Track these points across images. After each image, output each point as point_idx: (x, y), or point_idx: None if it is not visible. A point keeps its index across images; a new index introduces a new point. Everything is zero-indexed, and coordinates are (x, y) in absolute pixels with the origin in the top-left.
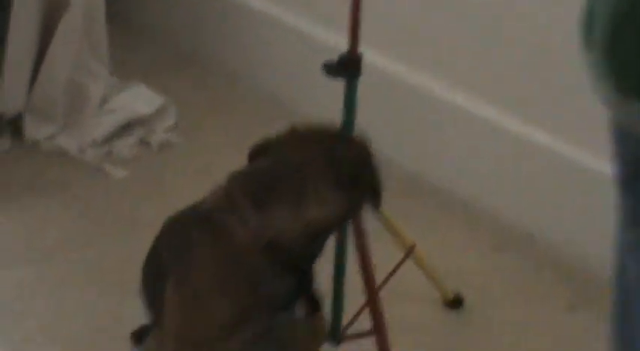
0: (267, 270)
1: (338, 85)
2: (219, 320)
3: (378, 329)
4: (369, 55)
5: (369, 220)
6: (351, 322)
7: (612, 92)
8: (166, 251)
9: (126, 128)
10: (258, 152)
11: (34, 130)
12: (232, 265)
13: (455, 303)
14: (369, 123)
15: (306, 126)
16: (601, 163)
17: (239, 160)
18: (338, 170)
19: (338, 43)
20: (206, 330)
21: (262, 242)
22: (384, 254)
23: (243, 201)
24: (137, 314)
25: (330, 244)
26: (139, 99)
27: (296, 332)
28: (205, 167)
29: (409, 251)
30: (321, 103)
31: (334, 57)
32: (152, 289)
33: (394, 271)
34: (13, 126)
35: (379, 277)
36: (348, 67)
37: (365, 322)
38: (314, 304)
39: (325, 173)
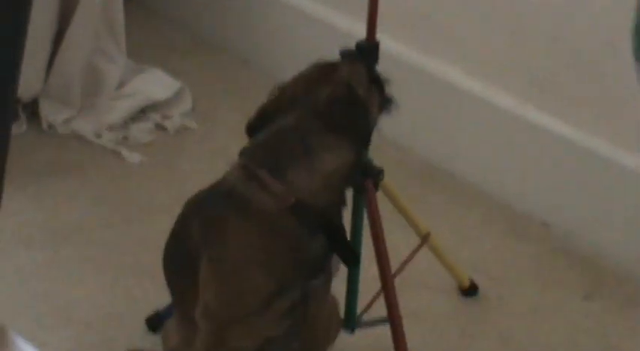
0: (299, 232)
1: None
2: (261, 291)
3: (393, 317)
4: (386, 41)
5: (384, 207)
6: (366, 310)
7: None
8: (193, 232)
9: (142, 112)
10: (255, 124)
11: (51, 113)
12: (265, 234)
13: (470, 291)
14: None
15: (289, 81)
16: (618, 152)
17: None
18: (325, 118)
19: (355, 29)
20: (248, 303)
21: (289, 206)
22: (399, 242)
23: (260, 172)
24: (153, 298)
25: (346, 230)
26: (156, 83)
27: (321, 309)
28: (222, 151)
29: (424, 239)
30: None
31: (351, 43)
32: (178, 271)
33: (409, 258)
34: (30, 109)
35: (394, 264)
36: (365, 54)
37: (380, 310)
38: (352, 259)
39: (318, 124)
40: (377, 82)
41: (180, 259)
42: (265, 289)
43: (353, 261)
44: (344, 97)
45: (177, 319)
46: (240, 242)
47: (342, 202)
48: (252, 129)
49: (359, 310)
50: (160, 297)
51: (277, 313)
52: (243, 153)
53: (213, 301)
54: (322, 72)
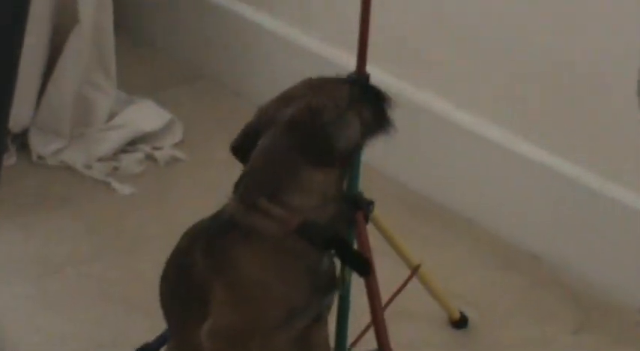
0: (309, 251)
1: None
2: (282, 308)
3: (383, 349)
4: (376, 73)
5: (375, 239)
6: (356, 342)
7: None
8: (197, 260)
9: (132, 144)
10: (238, 145)
11: (41, 145)
12: (276, 255)
13: (460, 322)
14: (375, 142)
15: (271, 99)
16: (608, 186)
17: None
18: (291, 139)
19: (345, 61)
20: (271, 320)
21: (293, 228)
22: (389, 273)
23: (258, 200)
24: (142, 330)
25: (335, 263)
26: (146, 114)
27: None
28: (212, 183)
29: (414, 270)
30: None
31: (342, 75)
32: (178, 299)
33: (399, 290)
34: (20, 141)
35: (384, 296)
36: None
37: (370, 342)
38: (364, 268)
39: (288, 145)
40: (367, 104)
41: (182, 287)
42: (286, 306)
43: (365, 270)
44: (302, 120)
45: (175, 347)
46: (254, 266)
47: (345, 215)
48: (236, 149)
49: (349, 341)
50: (150, 329)
51: (296, 331)
52: (236, 185)
53: (234, 322)
54: (298, 91)
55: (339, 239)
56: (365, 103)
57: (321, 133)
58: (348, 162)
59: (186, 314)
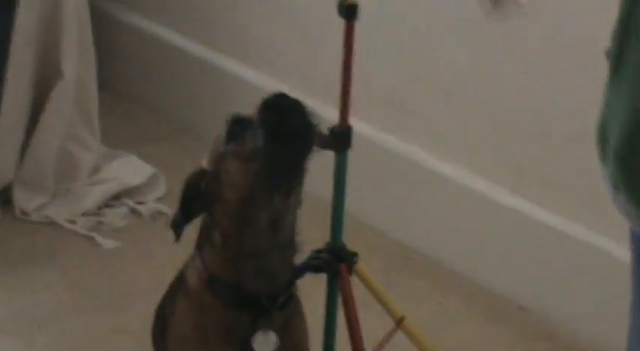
0: (218, 306)
1: (328, 156)
2: None
3: None
4: (358, 125)
5: (359, 291)
6: None
7: (629, 204)
8: (166, 308)
9: (116, 198)
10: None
11: (24, 200)
12: (195, 310)
13: None
14: (358, 194)
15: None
16: (594, 237)
17: None
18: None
19: (329, 114)
20: None
21: (205, 281)
22: (374, 325)
23: (193, 251)
24: None
25: (320, 313)
26: (130, 169)
27: None
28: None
29: (399, 323)
30: (311, 174)
31: (324, 128)
32: (159, 343)
33: (383, 342)
34: (3, 196)
35: (369, 349)
36: (338, 139)
37: None
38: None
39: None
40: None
41: (161, 333)
42: None
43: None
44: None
45: None
46: (180, 320)
47: (261, 275)
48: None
49: None
50: None
51: None
52: None
53: None
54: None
55: (245, 296)
56: (244, 139)
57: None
58: (242, 214)
59: None
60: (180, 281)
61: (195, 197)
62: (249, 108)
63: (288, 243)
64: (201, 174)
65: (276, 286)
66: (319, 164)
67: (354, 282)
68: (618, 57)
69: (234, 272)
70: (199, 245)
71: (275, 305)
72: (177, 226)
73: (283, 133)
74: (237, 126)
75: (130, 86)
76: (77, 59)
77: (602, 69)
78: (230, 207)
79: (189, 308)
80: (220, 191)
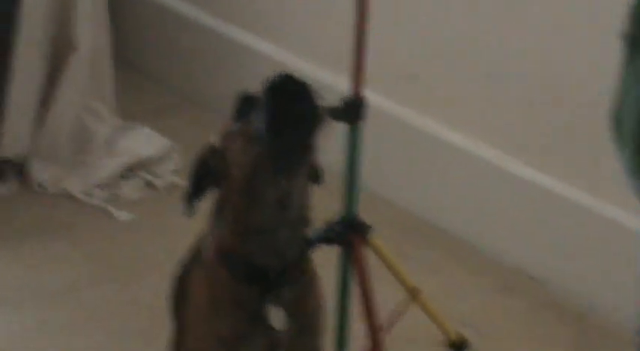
0: (229, 279)
1: (341, 128)
2: (217, 338)
3: None
4: (372, 97)
5: (373, 263)
6: None
7: None
8: (185, 276)
9: (131, 170)
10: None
11: (40, 172)
12: (208, 283)
13: (459, 345)
14: (372, 166)
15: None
16: (605, 207)
17: None
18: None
19: (341, 85)
20: (213, 345)
21: (217, 254)
22: (387, 297)
23: (208, 223)
24: None
25: (333, 285)
26: (145, 141)
27: None
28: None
29: (413, 294)
30: (325, 146)
31: (338, 99)
32: (176, 309)
33: (398, 314)
34: (19, 168)
35: (383, 320)
36: (351, 111)
37: None
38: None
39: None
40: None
41: (178, 296)
42: (220, 335)
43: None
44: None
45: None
46: (197, 291)
47: (269, 251)
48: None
49: None
50: None
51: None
52: None
53: (188, 337)
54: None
55: (256, 270)
56: (250, 118)
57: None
58: (249, 192)
59: (179, 327)
60: (196, 252)
61: (205, 174)
62: (260, 79)
63: (298, 219)
64: (210, 150)
65: (285, 261)
66: (333, 136)
67: (368, 254)
68: (636, 40)
69: (244, 247)
70: (212, 219)
71: (284, 280)
72: (189, 201)
73: (286, 119)
74: (245, 104)
75: (144, 59)
76: (91, 32)
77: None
78: (237, 184)
79: (203, 280)
80: (228, 168)
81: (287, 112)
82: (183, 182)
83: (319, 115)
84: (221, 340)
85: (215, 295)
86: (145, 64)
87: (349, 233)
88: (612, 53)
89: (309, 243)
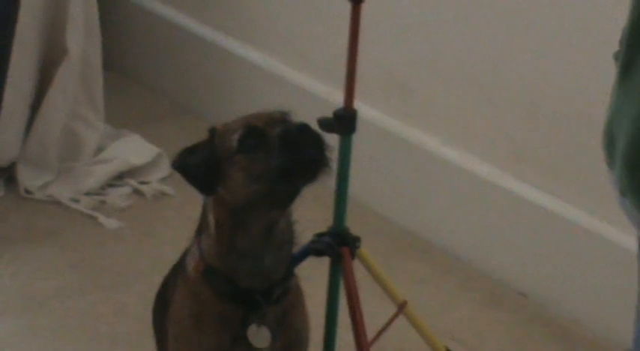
0: (214, 298)
1: (332, 140)
2: None
3: None
4: (364, 110)
5: (361, 275)
6: None
7: (636, 210)
8: (168, 289)
9: (120, 178)
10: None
11: (28, 178)
12: (192, 299)
13: None
14: (363, 178)
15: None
16: (595, 223)
17: None
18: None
19: (334, 97)
20: None
21: (200, 270)
22: (376, 310)
23: (193, 236)
24: None
25: (321, 297)
26: (134, 149)
27: None
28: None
29: (401, 307)
30: None
31: (329, 110)
32: (158, 322)
33: (385, 327)
34: (7, 174)
35: (370, 332)
36: (343, 122)
37: None
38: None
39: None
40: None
41: (160, 312)
42: (203, 350)
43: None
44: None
45: None
46: (180, 305)
47: (254, 274)
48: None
49: None
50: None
51: None
52: None
53: None
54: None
55: (238, 290)
56: (256, 156)
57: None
58: (238, 218)
59: (162, 339)
60: (181, 265)
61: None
62: (252, 89)
63: (284, 243)
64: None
65: (270, 282)
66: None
67: (356, 266)
68: (628, 62)
69: (228, 267)
70: (199, 231)
71: (268, 301)
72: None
73: (297, 170)
74: (252, 137)
75: (135, 66)
76: (82, 38)
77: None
78: (226, 205)
79: (187, 295)
80: (220, 190)
81: (300, 162)
82: (171, 190)
83: (326, 164)
84: None
85: (198, 311)
86: (135, 71)
87: (338, 245)
88: (609, 68)
89: (296, 259)
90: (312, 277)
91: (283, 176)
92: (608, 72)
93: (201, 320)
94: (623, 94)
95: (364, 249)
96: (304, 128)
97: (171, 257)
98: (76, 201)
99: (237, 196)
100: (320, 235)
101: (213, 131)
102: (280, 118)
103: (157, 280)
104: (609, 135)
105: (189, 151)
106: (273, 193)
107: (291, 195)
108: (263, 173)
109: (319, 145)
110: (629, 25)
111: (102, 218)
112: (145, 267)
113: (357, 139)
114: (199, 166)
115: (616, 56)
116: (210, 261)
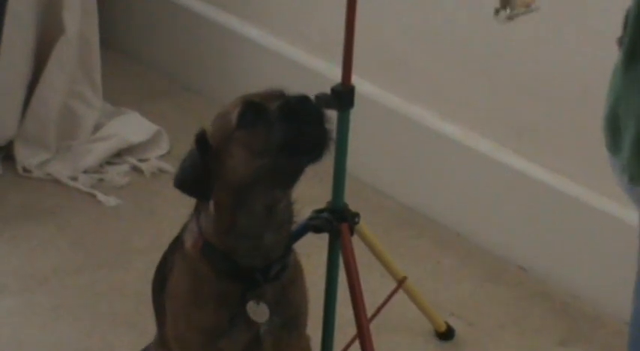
0: (213, 277)
1: (330, 116)
2: (198, 328)
3: None
4: (362, 85)
5: (361, 251)
6: None
7: None
8: (167, 265)
9: (118, 155)
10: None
11: (26, 156)
12: (191, 275)
13: (447, 334)
14: (361, 154)
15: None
16: (595, 198)
17: None
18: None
19: (330, 72)
20: (192, 339)
21: (198, 247)
22: (375, 286)
23: (194, 214)
24: (127, 343)
25: (321, 273)
26: (132, 126)
27: None
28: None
29: (400, 283)
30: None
31: (327, 86)
32: (158, 297)
33: (385, 303)
34: (5, 152)
35: (370, 308)
36: (340, 98)
37: None
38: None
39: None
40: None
41: (159, 287)
42: (201, 326)
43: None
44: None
45: (158, 341)
46: (176, 280)
47: (253, 253)
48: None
49: None
50: (135, 341)
51: (233, 342)
52: None
53: (170, 328)
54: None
55: (236, 267)
56: (256, 130)
57: (198, 161)
58: (240, 197)
59: (161, 314)
60: (179, 241)
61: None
62: (251, 66)
63: (284, 222)
64: (202, 138)
65: (269, 260)
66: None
67: (356, 242)
68: (633, 48)
69: (227, 245)
70: (197, 208)
71: (267, 278)
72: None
73: (300, 143)
74: (251, 112)
75: (132, 43)
76: (79, 16)
77: (606, 30)
78: (229, 188)
79: (185, 270)
80: (221, 170)
81: (302, 135)
82: (170, 167)
83: (329, 141)
84: (203, 331)
85: (196, 286)
86: (133, 48)
87: (337, 221)
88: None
89: (295, 235)
90: (312, 253)
91: (286, 149)
92: (609, 47)
93: (199, 297)
94: (630, 82)
95: (363, 225)
96: (304, 100)
97: (171, 234)
98: (75, 179)
99: (239, 175)
100: (319, 211)
101: (200, 136)
102: (279, 94)
103: (156, 258)
104: (611, 120)
105: (180, 167)
106: (276, 169)
107: (295, 173)
108: (265, 148)
109: (320, 117)
110: (635, 7)
111: (100, 196)
112: (144, 244)
113: (355, 115)
114: (190, 180)
115: (620, 41)
116: (208, 238)
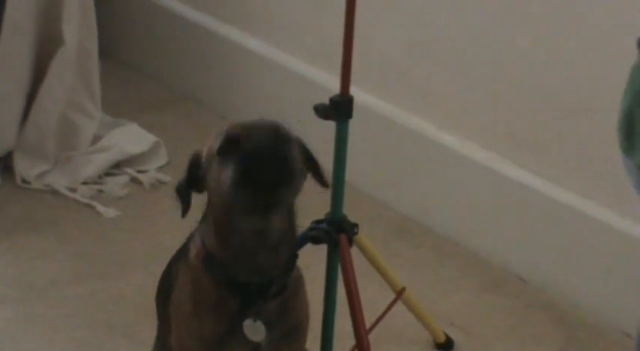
0: (213, 288)
1: (329, 126)
2: (199, 337)
3: None
4: (360, 96)
5: (360, 262)
6: None
7: None
8: (172, 272)
9: (117, 167)
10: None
11: (25, 167)
12: (191, 285)
13: (446, 345)
14: (360, 165)
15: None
16: (594, 208)
17: None
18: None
19: (329, 83)
20: (195, 344)
21: (200, 257)
22: (374, 296)
23: (200, 222)
24: None
25: (320, 284)
26: (131, 137)
27: None
28: (197, 206)
29: (399, 293)
30: (312, 144)
31: (325, 97)
32: (162, 304)
33: (384, 314)
34: (4, 163)
35: (369, 319)
36: (339, 109)
37: None
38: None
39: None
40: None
41: (165, 294)
42: (202, 335)
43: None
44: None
45: (159, 348)
46: (181, 289)
47: (250, 270)
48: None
49: None
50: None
51: None
52: None
53: (174, 335)
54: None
55: (234, 281)
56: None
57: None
58: (227, 218)
59: (165, 323)
60: (185, 249)
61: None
62: (250, 76)
63: (280, 243)
64: (195, 160)
65: (267, 277)
66: (320, 134)
67: (354, 253)
68: None
69: (225, 259)
70: (203, 218)
71: (265, 297)
72: (182, 193)
73: (251, 182)
74: (229, 144)
75: (132, 54)
76: (78, 26)
77: (608, 38)
78: (214, 206)
79: (188, 280)
80: (208, 190)
81: (254, 173)
82: (169, 179)
83: (292, 175)
84: (203, 340)
85: (197, 296)
86: (132, 59)
87: (336, 232)
88: (610, 52)
89: (294, 256)
90: (310, 264)
91: (238, 189)
92: (609, 57)
93: (200, 306)
94: None
95: (362, 235)
96: (273, 147)
97: (170, 246)
98: (74, 190)
99: (217, 199)
100: (317, 222)
101: (194, 158)
102: (265, 130)
103: (155, 269)
104: (628, 121)
105: (180, 182)
106: (238, 207)
107: (259, 210)
108: (224, 182)
109: (281, 164)
110: None
111: (99, 207)
112: (143, 256)
113: (354, 126)
114: (182, 192)
115: (639, 43)
116: (210, 248)
